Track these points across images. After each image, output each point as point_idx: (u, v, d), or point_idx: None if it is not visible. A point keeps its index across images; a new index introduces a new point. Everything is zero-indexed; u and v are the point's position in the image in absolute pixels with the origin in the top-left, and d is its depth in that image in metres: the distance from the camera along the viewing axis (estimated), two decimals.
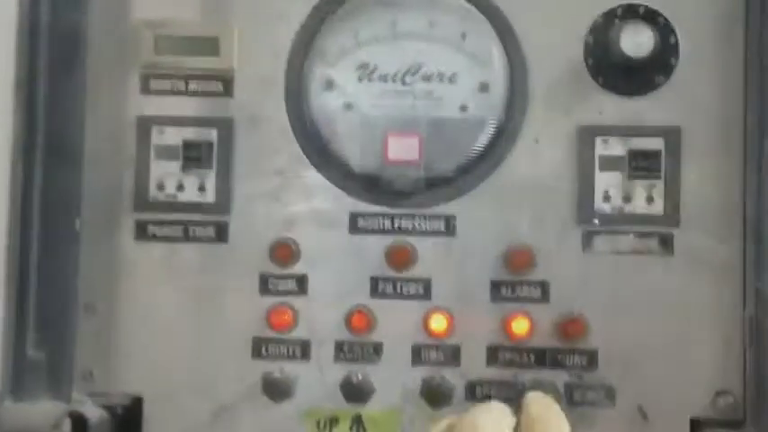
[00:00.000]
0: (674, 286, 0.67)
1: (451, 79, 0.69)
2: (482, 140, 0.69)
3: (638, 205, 0.68)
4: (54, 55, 0.67)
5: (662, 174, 0.68)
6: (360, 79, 0.70)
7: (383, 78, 0.70)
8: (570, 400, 0.67)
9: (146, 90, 0.71)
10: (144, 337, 0.70)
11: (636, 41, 0.66)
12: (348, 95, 0.70)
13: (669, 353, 0.67)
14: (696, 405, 0.66)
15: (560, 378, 0.67)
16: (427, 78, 0.69)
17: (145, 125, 0.70)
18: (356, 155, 0.69)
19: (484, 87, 0.69)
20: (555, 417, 0.56)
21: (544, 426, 0.54)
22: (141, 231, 0.70)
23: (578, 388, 0.67)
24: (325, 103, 0.70)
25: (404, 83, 0.69)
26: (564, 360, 0.68)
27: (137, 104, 0.71)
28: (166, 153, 0.70)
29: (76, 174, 0.68)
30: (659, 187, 0.68)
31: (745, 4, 0.68)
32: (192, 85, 0.71)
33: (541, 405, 0.57)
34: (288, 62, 0.70)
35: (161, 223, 0.70)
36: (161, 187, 0.70)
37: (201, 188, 0.70)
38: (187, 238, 0.70)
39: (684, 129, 0.68)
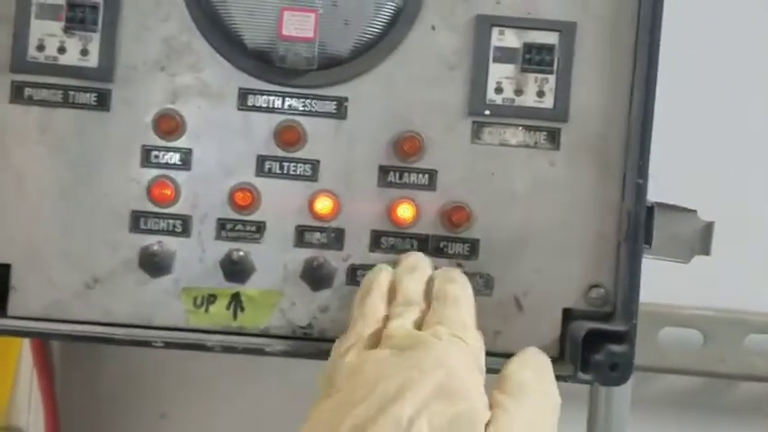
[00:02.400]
0: (558, 180, 0.68)
1: None
2: (379, 22, 0.68)
3: (529, 98, 0.68)
4: None
5: (554, 69, 0.68)
6: None
7: None
8: None
9: None
10: (14, 202, 0.67)
11: None
12: None
13: (548, 246, 0.68)
14: (570, 297, 0.68)
15: (441, 265, 0.68)
16: None
17: None
18: (249, 28, 0.67)
19: None
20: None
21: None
22: (17, 93, 0.67)
23: None
24: None
25: None
26: (446, 248, 0.68)
27: None
28: (49, 12, 0.67)
29: None
30: (551, 82, 0.68)
31: None
32: None
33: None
34: None
35: (39, 86, 0.67)
36: (41, 48, 0.67)
37: (84, 52, 0.67)
38: (66, 103, 0.67)
39: (579, 25, 0.68)
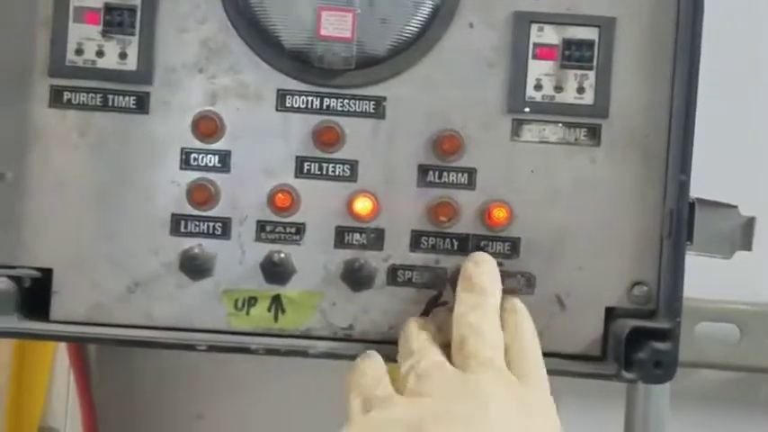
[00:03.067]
0: (599, 177, 0.68)
1: None
2: (416, 21, 0.67)
3: (569, 95, 0.68)
4: None
5: (594, 65, 0.68)
6: None
7: None
8: None
9: None
10: (55, 208, 0.67)
11: None
12: None
13: (589, 243, 0.67)
14: (612, 295, 0.68)
15: None
16: None
17: None
18: (286, 28, 0.67)
19: None
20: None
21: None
22: (56, 97, 0.67)
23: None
24: None
25: None
26: (486, 247, 0.68)
27: None
28: (86, 16, 0.67)
29: None
30: (591, 78, 0.68)
31: None
32: None
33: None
34: None
35: (78, 90, 0.67)
36: (79, 52, 0.67)
37: (123, 55, 0.67)
38: (105, 106, 0.67)
39: (619, 20, 0.67)
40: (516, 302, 0.63)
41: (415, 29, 0.67)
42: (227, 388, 0.93)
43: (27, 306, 0.67)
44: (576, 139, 0.68)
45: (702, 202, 0.69)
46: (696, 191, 0.68)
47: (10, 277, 0.65)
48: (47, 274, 0.67)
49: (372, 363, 0.60)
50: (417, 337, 0.61)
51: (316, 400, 0.87)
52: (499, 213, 0.67)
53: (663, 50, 0.67)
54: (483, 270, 0.63)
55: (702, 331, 0.92)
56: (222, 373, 0.92)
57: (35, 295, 0.67)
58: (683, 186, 0.65)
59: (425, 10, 0.67)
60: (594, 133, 0.68)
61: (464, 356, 0.59)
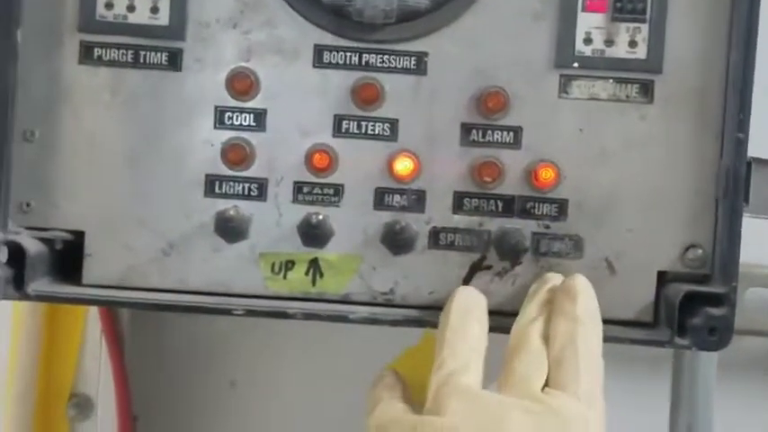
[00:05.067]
0: (651, 136, 0.65)
1: None
2: None
3: (621, 49, 0.65)
4: None
5: (647, 17, 0.64)
6: None
7: None
8: (537, 250, 0.65)
9: None
10: (86, 167, 0.65)
11: None
12: None
13: (641, 205, 0.65)
14: (665, 258, 0.65)
15: (528, 228, 0.65)
16: None
17: None
18: None
19: None
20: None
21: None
22: (86, 53, 0.65)
23: (545, 238, 0.65)
24: None
25: None
26: (533, 209, 0.65)
27: None
28: None
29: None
30: (644, 31, 0.65)
31: None
32: None
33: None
34: None
35: (108, 46, 0.65)
36: (109, 6, 0.64)
37: (154, 9, 0.65)
38: (137, 63, 0.65)
39: None
40: (580, 306, 0.59)
41: None
42: (261, 355, 0.91)
43: (59, 269, 0.65)
44: (627, 96, 0.65)
45: (759, 161, 0.66)
46: (753, 150, 0.65)
47: (41, 240, 0.63)
48: (79, 236, 0.65)
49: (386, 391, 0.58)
50: (463, 345, 0.58)
51: (350, 367, 0.85)
52: (546, 174, 0.64)
53: (719, 3, 0.64)
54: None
55: (752, 298, 0.89)
56: (255, 340, 0.90)
57: (67, 258, 0.65)
58: (740, 145, 0.62)
59: None
60: (647, 90, 0.65)
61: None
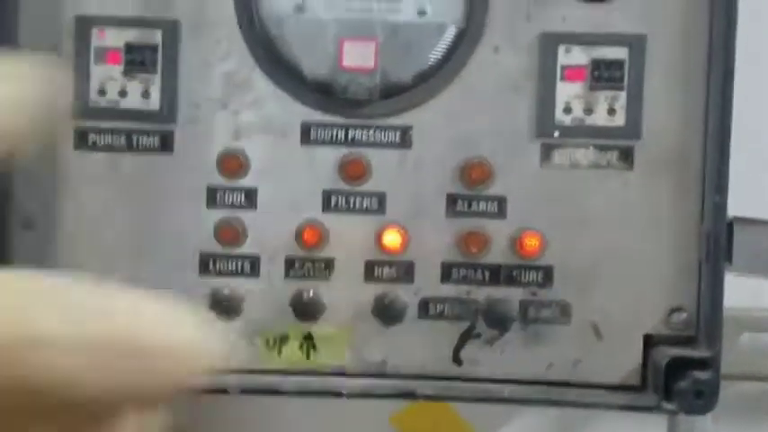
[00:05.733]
0: (633, 201, 0.66)
1: None
2: (441, 47, 0.66)
3: (600, 117, 0.66)
4: None
5: (625, 85, 0.66)
6: None
7: None
8: (525, 317, 0.66)
9: None
10: (85, 251, 0.66)
11: None
12: None
13: (625, 269, 0.66)
14: (650, 322, 0.66)
15: (515, 295, 0.66)
16: None
17: (84, 26, 0.66)
18: (308, 60, 0.66)
19: None
20: None
21: None
22: (81, 139, 0.67)
23: (533, 305, 0.66)
24: (275, 5, 0.66)
25: None
26: (519, 277, 0.66)
27: (74, 3, 0.66)
28: (108, 56, 0.66)
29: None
30: (621, 99, 0.66)
31: None
32: None
33: None
34: None
35: (102, 131, 0.67)
36: (102, 92, 0.66)
37: (145, 94, 0.67)
38: (130, 147, 0.67)
39: (650, 37, 0.66)
40: None
41: (440, 55, 0.66)
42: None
43: None
44: (608, 163, 0.66)
45: (741, 220, 0.67)
46: (736, 209, 0.66)
47: None
48: None
49: None
50: None
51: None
52: (531, 242, 0.66)
53: (696, 68, 0.66)
54: None
55: (747, 342, 0.90)
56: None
57: None
58: (719, 208, 0.63)
59: (450, 35, 0.66)
60: (627, 156, 0.66)
61: None
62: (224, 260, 0.66)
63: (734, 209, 0.67)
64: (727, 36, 0.64)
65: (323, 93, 0.66)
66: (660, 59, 0.66)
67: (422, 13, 0.66)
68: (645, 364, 0.66)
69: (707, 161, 0.65)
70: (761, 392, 0.93)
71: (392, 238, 0.66)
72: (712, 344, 0.63)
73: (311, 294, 0.66)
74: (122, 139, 0.67)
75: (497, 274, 0.66)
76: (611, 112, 0.66)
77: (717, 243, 0.64)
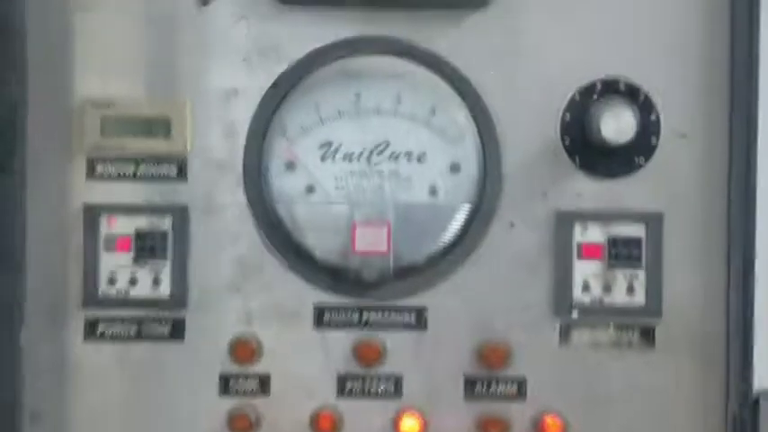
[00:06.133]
0: (655, 381, 0.64)
1: (420, 158, 0.65)
2: (453, 227, 0.65)
3: (619, 296, 0.65)
4: None
5: (643, 262, 0.65)
6: (323, 158, 0.65)
7: (348, 157, 0.65)
8: None
9: (92, 175, 0.65)
10: None
11: (617, 127, 0.62)
12: (310, 176, 0.65)
13: None
14: None
15: None
16: (395, 158, 0.65)
17: (92, 214, 0.65)
18: (320, 243, 0.65)
19: (455, 167, 0.65)
20: None
21: None
22: (91, 330, 0.66)
23: None
24: (285, 185, 0.65)
25: (369, 162, 0.65)
26: None
27: (82, 191, 0.65)
28: (116, 244, 0.65)
29: (19, 280, 0.62)
30: (641, 277, 0.65)
31: (729, 75, 0.64)
32: (143, 169, 0.66)
33: None
34: (246, 141, 0.66)
35: (112, 320, 0.66)
36: (112, 281, 0.66)
37: (156, 281, 0.66)
38: (140, 336, 0.66)
39: (667, 214, 0.64)
40: None
41: (453, 235, 0.65)
42: None
43: None
44: (629, 342, 0.65)
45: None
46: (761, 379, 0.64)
47: None
48: None
49: None
50: None
51: None
52: (552, 424, 0.64)
53: (716, 243, 0.64)
54: None
55: None
56: None
57: None
58: (745, 394, 0.62)
59: (463, 213, 0.65)
60: (648, 335, 0.65)
61: None
62: None
63: (759, 380, 0.65)
64: (746, 212, 0.62)
65: (335, 275, 0.65)
66: (679, 236, 0.64)
67: (433, 191, 0.65)
68: None
69: (729, 340, 0.64)
70: None
71: (410, 424, 0.65)
72: None
73: None
74: (133, 329, 0.66)
75: None
76: (631, 290, 0.65)
77: (743, 425, 0.62)
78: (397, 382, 0.65)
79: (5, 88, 0.60)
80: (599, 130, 0.62)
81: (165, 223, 0.66)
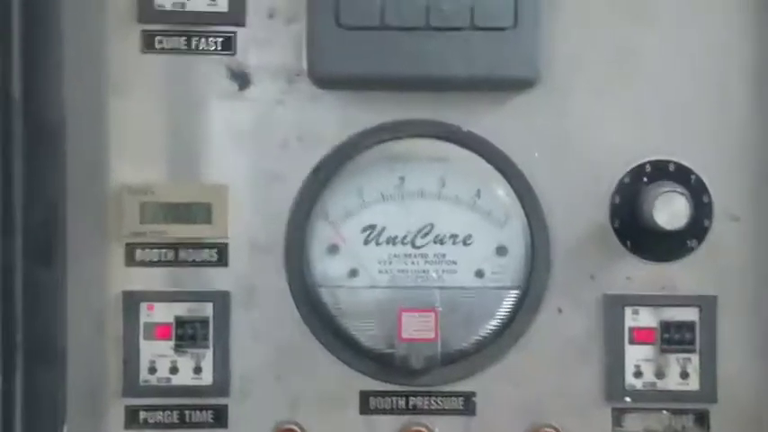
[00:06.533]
0: None
1: (466, 241, 0.64)
2: (501, 311, 0.64)
3: (672, 381, 0.63)
4: (30, 242, 0.59)
5: (697, 347, 0.63)
6: (366, 242, 0.64)
7: (392, 241, 0.64)
8: None
9: (131, 262, 0.64)
10: None
11: (671, 214, 0.61)
12: (354, 260, 0.64)
13: None
14: None
15: None
16: (439, 240, 0.64)
17: (131, 301, 0.64)
18: (365, 330, 0.63)
19: (501, 250, 0.64)
20: None
21: None
22: (132, 418, 0.64)
23: None
24: (329, 269, 0.64)
25: (414, 245, 0.64)
26: None
27: (121, 278, 0.64)
28: (156, 331, 0.64)
29: (60, 374, 0.61)
30: (694, 362, 0.63)
31: None
32: (183, 255, 0.64)
33: None
34: (287, 226, 0.64)
35: (153, 408, 0.64)
36: (152, 370, 0.64)
37: (197, 369, 0.64)
38: (183, 424, 0.64)
39: (720, 297, 0.63)
40: None
41: (501, 321, 0.64)
42: None
43: None
44: (683, 428, 0.63)
45: None
46: None
47: None
48: None
49: None
50: None
51: None
52: None
53: None
54: None
55: None
56: None
57: None
58: None
59: (511, 298, 0.64)
60: (703, 420, 0.63)
61: None
62: None
63: None
64: None
65: (381, 361, 0.64)
66: (733, 320, 0.63)
67: (479, 273, 0.64)
68: None
69: None
70: None
71: None
72: None
73: None
74: (174, 416, 0.64)
75: None
76: (684, 375, 0.63)
77: None
78: None
79: (47, 190, 0.58)
80: (651, 216, 0.61)
81: (206, 310, 0.64)
